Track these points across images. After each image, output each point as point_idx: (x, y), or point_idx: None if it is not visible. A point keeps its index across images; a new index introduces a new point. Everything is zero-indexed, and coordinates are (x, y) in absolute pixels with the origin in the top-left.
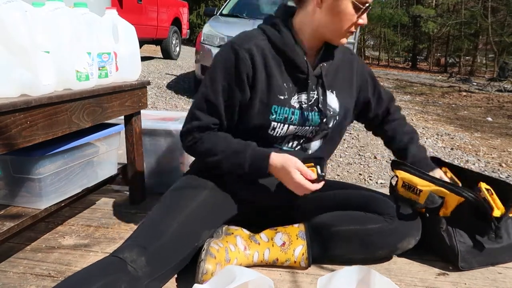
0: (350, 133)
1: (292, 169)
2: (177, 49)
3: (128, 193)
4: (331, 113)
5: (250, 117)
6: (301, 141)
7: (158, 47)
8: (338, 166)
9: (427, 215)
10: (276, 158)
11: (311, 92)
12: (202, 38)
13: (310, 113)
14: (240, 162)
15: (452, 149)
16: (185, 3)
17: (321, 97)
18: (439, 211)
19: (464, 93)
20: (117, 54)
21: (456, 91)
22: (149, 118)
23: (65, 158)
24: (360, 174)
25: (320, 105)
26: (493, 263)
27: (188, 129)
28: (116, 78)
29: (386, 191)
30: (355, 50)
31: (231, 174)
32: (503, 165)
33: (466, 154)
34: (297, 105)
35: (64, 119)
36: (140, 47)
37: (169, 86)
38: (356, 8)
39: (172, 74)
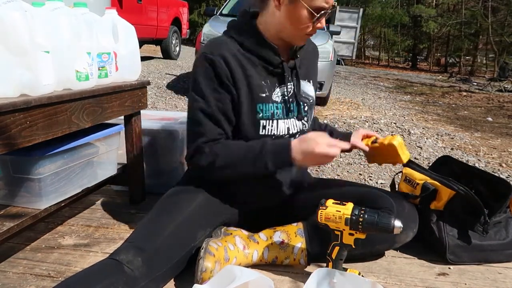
0: None
1: (319, 138)
2: (177, 49)
3: (128, 193)
4: (310, 101)
5: (242, 123)
6: (297, 137)
7: (158, 47)
8: (338, 166)
9: (419, 206)
10: (295, 141)
11: (288, 84)
12: (202, 38)
13: (291, 104)
14: (262, 162)
15: (452, 149)
16: (185, 3)
17: (296, 88)
18: (430, 203)
19: (464, 93)
20: (117, 54)
21: (456, 91)
22: (149, 118)
23: (65, 158)
24: (360, 174)
25: (296, 96)
26: (488, 260)
27: (196, 149)
28: (116, 78)
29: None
30: (355, 50)
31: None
32: (503, 165)
33: (466, 154)
34: (279, 99)
35: (64, 119)
36: (140, 47)
37: (169, 86)
38: (312, 15)
39: (172, 74)
